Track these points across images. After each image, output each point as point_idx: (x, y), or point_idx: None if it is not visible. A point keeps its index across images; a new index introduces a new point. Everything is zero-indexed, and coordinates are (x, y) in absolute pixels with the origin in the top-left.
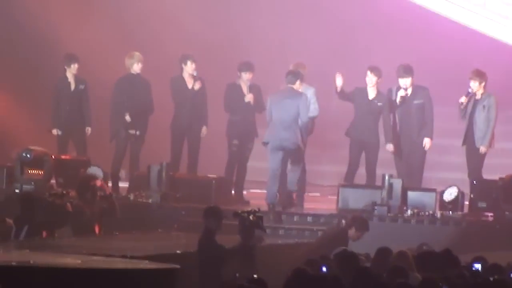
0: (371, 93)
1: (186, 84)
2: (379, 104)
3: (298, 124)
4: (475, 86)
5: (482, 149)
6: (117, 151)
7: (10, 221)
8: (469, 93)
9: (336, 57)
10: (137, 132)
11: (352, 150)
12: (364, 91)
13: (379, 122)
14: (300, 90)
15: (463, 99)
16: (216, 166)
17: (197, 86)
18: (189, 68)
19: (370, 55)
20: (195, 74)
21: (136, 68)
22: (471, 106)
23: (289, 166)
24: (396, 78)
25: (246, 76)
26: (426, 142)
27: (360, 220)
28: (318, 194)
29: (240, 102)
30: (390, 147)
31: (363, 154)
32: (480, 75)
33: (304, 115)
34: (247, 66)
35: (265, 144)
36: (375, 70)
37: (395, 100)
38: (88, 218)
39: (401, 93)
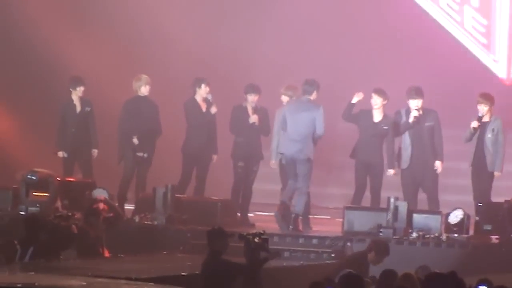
0: (377, 116)
1: (200, 108)
2: (384, 128)
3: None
4: (484, 109)
5: (497, 173)
6: (125, 174)
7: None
8: (480, 117)
9: (342, 78)
10: (145, 155)
11: (358, 172)
12: (369, 113)
13: (383, 145)
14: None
15: (475, 124)
16: (221, 187)
17: (213, 110)
18: (203, 92)
19: (375, 76)
20: (210, 97)
21: (144, 90)
22: (480, 129)
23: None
24: (400, 101)
25: (251, 98)
26: (438, 165)
27: (380, 244)
28: (324, 217)
29: (245, 123)
30: (391, 172)
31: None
32: (488, 98)
33: (320, 128)
34: (253, 88)
35: (281, 155)
36: (380, 92)
37: (406, 122)
38: (93, 240)
39: (415, 113)
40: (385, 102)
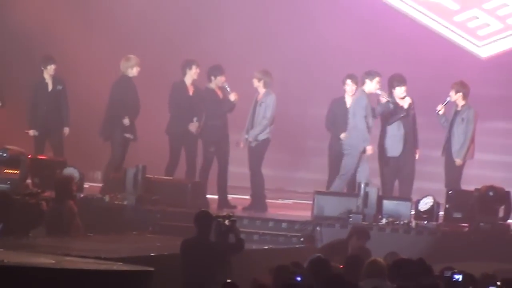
0: (349, 102)
1: (187, 91)
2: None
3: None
4: (453, 95)
5: (458, 161)
6: (114, 155)
7: None
8: (446, 101)
9: (319, 65)
10: (131, 136)
11: (331, 159)
12: (341, 100)
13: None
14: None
15: (439, 107)
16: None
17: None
18: (193, 73)
19: (351, 65)
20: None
21: (133, 72)
22: (452, 117)
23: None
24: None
25: (221, 79)
26: (416, 152)
27: (360, 229)
28: (294, 201)
29: (221, 105)
30: (370, 149)
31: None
32: (461, 85)
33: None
34: (220, 70)
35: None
36: (354, 78)
37: (397, 110)
38: (62, 218)
39: (408, 100)
40: (354, 87)
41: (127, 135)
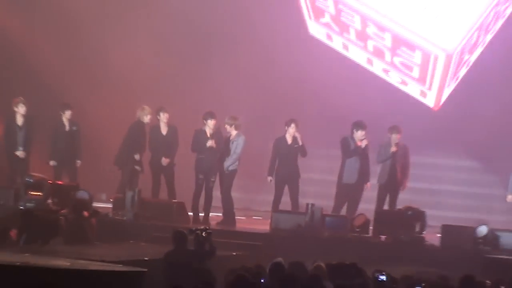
0: (289, 139)
1: (160, 131)
2: (295, 146)
3: None
4: (395, 138)
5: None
6: (123, 181)
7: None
8: (396, 144)
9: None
10: (139, 169)
11: (277, 186)
12: (283, 139)
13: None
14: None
15: (393, 148)
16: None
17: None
18: (210, 124)
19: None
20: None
21: (146, 119)
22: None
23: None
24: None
25: (211, 122)
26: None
27: None
28: (256, 217)
29: (205, 145)
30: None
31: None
32: (398, 129)
33: None
34: (211, 115)
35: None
36: (295, 122)
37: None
38: (76, 230)
39: (365, 142)
40: (298, 129)
41: (137, 167)
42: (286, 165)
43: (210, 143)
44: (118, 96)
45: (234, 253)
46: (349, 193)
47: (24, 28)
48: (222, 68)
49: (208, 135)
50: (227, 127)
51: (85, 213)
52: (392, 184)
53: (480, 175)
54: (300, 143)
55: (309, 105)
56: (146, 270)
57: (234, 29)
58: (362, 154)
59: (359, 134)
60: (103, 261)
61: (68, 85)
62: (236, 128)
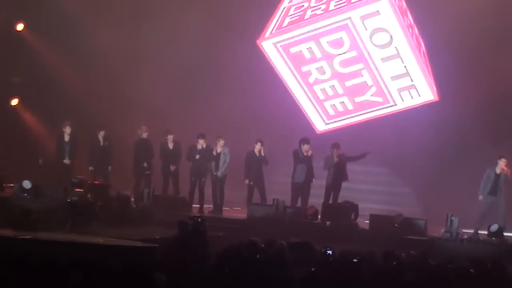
0: (257, 153)
1: (168, 147)
2: (261, 157)
3: None
4: (336, 152)
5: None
6: (136, 182)
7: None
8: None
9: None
10: (148, 172)
11: (249, 186)
12: (252, 152)
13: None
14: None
15: (336, 160)
16: (186, 190)
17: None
18: (200, 142)
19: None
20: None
21: (145, 135)
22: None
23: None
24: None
25: (201, 141)
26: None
27: None
28: (237, 208)
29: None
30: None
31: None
32: (338, 146)
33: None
34: (202, 135)
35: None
36: (261, 140)
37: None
38: (107, 217)
39: (310, 152)
40: (264, 146)
41: (147, 172)
42: (254, 171)
43: (197, 156)
44: (138, 120)
45: (221, 234)
46: (299, 189)
47: (64, 64)
48: (212, 100)
49: (198, 150)
50: (217, 142)
51: (114, 203)
52: (335, 184)
53: (394, 178)
54: (263, 155)
55: (271, 126)
56: (157, 245)
57: (221, 74)
58: (308, 161)
59: (305, 147)
60: (126, 238)
61: (101, 112)
62: (222, 143)
